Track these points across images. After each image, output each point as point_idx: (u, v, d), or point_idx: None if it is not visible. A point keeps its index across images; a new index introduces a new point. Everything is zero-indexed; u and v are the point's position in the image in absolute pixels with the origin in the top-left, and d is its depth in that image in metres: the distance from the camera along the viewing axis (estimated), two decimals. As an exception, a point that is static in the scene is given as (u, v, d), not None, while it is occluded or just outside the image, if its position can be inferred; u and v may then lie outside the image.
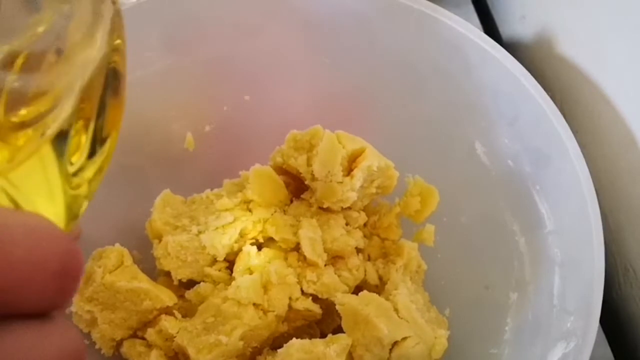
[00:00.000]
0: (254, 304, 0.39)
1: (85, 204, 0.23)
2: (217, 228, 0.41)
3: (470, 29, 0.42)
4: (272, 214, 0.42)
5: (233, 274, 0.41)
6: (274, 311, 0.39)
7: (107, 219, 0.44)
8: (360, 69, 0.46)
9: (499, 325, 0.40)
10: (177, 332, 0.39)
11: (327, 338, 0.38)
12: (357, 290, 0.41)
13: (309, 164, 0.41)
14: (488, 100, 0.43)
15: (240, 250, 0.41)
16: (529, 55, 0.59)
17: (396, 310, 0.38)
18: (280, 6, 0.45)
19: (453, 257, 0.45)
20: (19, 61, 0.20)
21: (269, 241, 0.42)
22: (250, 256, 0.41)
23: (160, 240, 0.41)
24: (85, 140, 0.22)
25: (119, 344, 0.41)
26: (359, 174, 0.40)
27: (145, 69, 0.44)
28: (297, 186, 0.44)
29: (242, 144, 0.48)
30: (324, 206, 0.42)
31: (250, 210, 0.42)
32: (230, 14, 0.45)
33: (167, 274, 0.42)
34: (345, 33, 0.45)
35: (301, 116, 0.44)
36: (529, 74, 0.40)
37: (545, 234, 0.39)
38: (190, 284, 0.42)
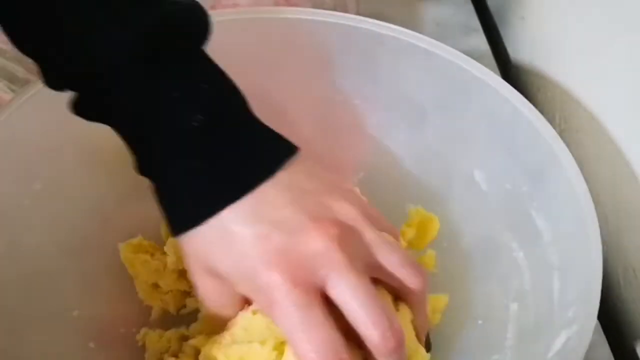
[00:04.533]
0: None
1: None
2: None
3: (469, 62, 0.45)
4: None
5: None
6: None
7: (121, 229, 0.46)
8: (366, 103, 0.49)
9: (500, 335, 0.41)
10: (205, 346, 0.38)
11: None
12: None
13: None
14: (486, 129, 0.46)
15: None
16: (529, 55, 0.62)
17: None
18: (293, 44, 0.48)
19: (453, 279, 0.46)
20: None
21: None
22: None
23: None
24: None
25: None
26: None
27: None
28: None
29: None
30: None
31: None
32: (247, 49, 0.48)
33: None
34: (354, 69, 0.49)
35: (309, 147, 0.47)
36: (524, 98, 0.43)
37: (543, 245, 0.41)
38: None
